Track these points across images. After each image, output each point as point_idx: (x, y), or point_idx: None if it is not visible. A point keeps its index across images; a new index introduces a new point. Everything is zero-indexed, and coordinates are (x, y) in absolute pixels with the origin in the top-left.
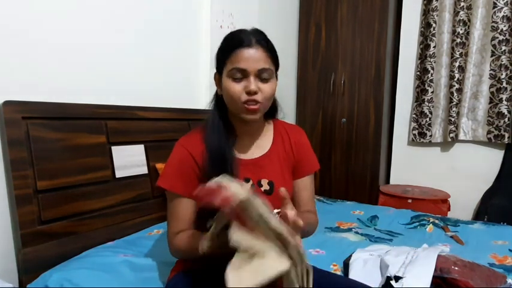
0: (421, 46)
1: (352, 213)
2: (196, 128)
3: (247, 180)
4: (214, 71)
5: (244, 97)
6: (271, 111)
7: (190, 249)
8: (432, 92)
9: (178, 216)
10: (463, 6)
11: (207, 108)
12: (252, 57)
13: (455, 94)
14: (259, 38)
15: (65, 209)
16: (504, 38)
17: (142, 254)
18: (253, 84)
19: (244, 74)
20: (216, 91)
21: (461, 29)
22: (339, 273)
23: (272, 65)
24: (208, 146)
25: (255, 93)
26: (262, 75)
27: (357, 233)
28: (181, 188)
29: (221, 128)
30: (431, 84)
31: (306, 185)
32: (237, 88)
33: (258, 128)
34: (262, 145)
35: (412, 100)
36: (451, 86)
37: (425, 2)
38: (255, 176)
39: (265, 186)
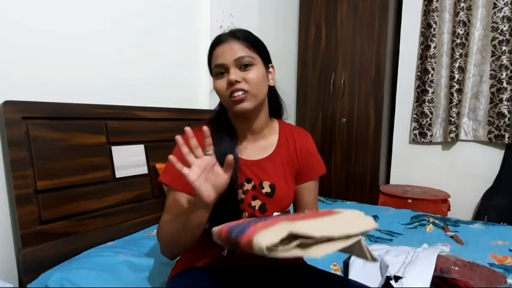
0: (421, 47)
1: None
2: (199, 126)
3: (249, 181)
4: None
5: (229, 90)
6: (275, 108)
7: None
8: (433, 93)
9: (173, 209)
10: (463, 6)
11: (208, 108)
12: (226, 50)
13: (455, 94)
14: (233, 32)
15: (65, 209)
16: (504, 38)
17: (142, 254)
18: (233, 74)
19: (225, 69)
20: None
21: (461, 30)
22: (338, 273)
23: (252, 51)
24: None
25: (238, 81)
26: (241, 64)
27: None
28: (181, 183)
29: (224, 129)
30: (432, 84)
31: (309, 188)
32: (220, 84)
33: (261, 126)
34: (266, 147)
35: (412, 100)
36: (451, 87)
37: (425, 2)
38: (257, 178)
39: (267, 188)
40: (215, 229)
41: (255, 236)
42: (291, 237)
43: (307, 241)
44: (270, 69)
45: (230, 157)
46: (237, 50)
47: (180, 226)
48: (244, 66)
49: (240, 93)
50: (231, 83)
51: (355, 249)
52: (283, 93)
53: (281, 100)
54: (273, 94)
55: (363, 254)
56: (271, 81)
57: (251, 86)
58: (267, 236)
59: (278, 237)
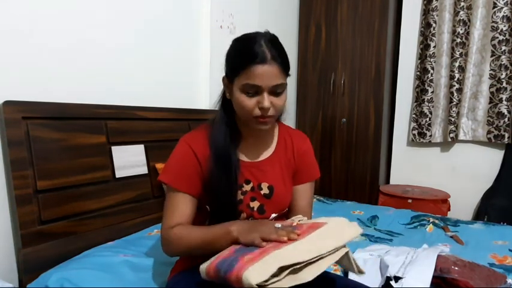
0: (421, 46)
1: (352, 213)
2: (202, 126)
3: (247, 182)
4: (223, 74)
5: (257, 112)
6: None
7: (200, 241)
8: (432, 92)
9: (175, 210)
10: (463, 6)
11: (208, 108)
12: (266, 74)
13: (455, 94)
14: (274, 54)
15: (65, 209)
16: (504, 38)
17: (143, 254)
18: (266, 101)
19: (257, 90)
20: (223, 92)
21: (461, 29)
22: (338, 273)
23: (285, 78)
24: (213, 147)
25: (268, 109)
26: (275, 91)
27: None
28: (181, 183)
29: (227, 130)
30: (431, 84)
31: (304, 191)
32: (249, 103)
33: (265, 131)
34: (265, 149)
35: (412, 100)
36: (451, 86)
37: (425, 1)
38: (256, 179)
39: (265, 190)
40: (203, 267)
41: (244, 273)
42: (281, 268)
43: (296, 266)
44: None
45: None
46: (276, 77)
47: (204, 246)
48: (276, 91)
49: (266, 118)
50: (262, 108)
51: (344, 261)
52: None
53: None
54: None
55: (350, 267)
56: None
57: (276, 112)
58: (255, 272)
59: (268, 274)
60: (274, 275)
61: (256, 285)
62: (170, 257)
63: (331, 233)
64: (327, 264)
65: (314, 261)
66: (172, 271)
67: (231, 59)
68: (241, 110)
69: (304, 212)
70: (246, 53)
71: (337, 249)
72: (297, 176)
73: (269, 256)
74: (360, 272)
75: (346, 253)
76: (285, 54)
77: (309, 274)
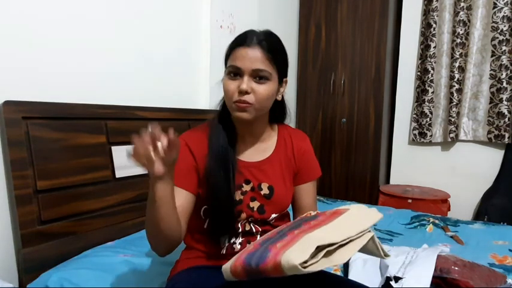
0: (421, 46)
1: None
2: (201, 125)
3: (247, 182)
4: (223, 74)
5: (236, 96)
6: (279, 115)
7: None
8: (432, 92)
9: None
10: (463, 6)
11: (208, 108)
12: (248, 56)
13: (455, 94)
14: (262, 38)
15: (65, 209)
16: (504, 38)
17: (142, 254)
18: (245, 83)
19: (238, 72)
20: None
21: (461, 29)
22: (338, 273)
23: (272, 67)
24: (211, 146)
25: (247, 93)
26: (257, 76)
27: None
28: (177, 179)
29: (224, 129)
30: (432, 84)
31: (308, 190)
32: (231, 86)
33: (261, 130)
34: (265, 149)
35: (412, 100)
36: (451, 86)
37: (425, 2)
38: (256, 179)
39: (265, 190)
40: (226, 267)
41: (281, 257)
42: (317, 249)
43: (330, 248)
44: (283, 84)
45: (172, 136)
46: (257, 60)
47: (150, 207)
48: (258, 77)
49: (244, 103)
50: (240, 91)
51: (369, 246)
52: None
53: (287, 109)
54: (279, 104)
55: (376, 251)
56: (280, 96)
57: (257, 101)
58: (295, 254)
59: (308, 253)
60: (311, 256)
61: (299, 264)
62: (160, 254)
63: (355, 217)
64: (357, 247)
65: (345, 244)
66: (172, 271)
67: (226, 50)
68: (225, 95)
69: (310, 210)
70: (235, 39)
71: (363, 233)
72: (299, 176)
73: (303, 239)
74: (386, 255)
75: (372, 237)
76: (276, 45)
77: (342, 256)
